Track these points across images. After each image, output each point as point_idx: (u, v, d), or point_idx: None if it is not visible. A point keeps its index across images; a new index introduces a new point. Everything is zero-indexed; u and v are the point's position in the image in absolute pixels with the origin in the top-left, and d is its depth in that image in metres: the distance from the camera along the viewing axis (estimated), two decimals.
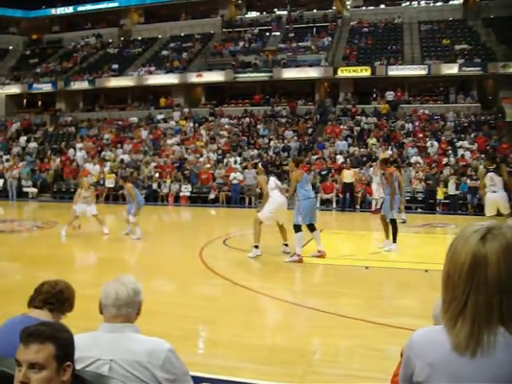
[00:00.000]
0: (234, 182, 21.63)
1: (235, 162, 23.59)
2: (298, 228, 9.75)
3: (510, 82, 27.29)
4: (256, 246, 10.05)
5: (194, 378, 2.65)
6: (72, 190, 24.22)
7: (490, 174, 10.95)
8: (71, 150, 27.46)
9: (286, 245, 10.51)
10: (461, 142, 23.50)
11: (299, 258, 9.55)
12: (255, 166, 19.40)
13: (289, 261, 9.61)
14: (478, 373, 1.46)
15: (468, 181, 19.44)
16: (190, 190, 22.52)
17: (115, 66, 35.38)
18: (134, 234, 12.40)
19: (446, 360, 1.50)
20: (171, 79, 33.10)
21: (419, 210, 19.58)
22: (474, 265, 1.49)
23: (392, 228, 10.96)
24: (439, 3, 37.48)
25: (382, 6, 38.09)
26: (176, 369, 2.38)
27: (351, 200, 19.58)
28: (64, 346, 1.96)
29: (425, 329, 1.63)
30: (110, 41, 40.38)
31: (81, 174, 24.56)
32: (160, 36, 39.39)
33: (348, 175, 19.37)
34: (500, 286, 1.48)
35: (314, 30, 35.07)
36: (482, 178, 12.11)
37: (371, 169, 20.14)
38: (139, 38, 39.98)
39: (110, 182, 23.08)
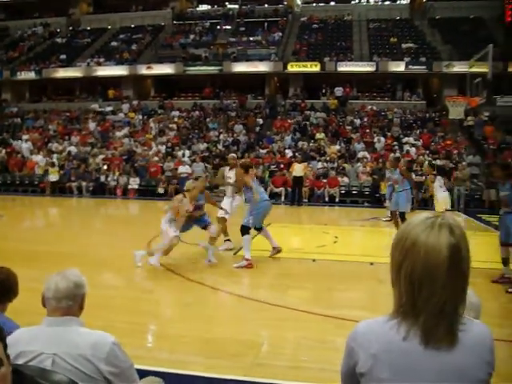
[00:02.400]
0: (183, 175, 21.51)
1: (183, 155, 23.46)
2: (246, 230, 9.08)
3: (454, 81, 28.07)
4: (228, 240, 10.35)
5: (140, 371, 2.65)
6: (17, 182, 23.69)
7: None
8: (16, 142, 26.75)
9: (229, 240, 10.51)
10: (406, 138, 24.05)
11: (248, 263, 8.84)
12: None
13: (237, 266, 8.89)
14: (432, 364, 1.48)
15: (413, 176, 19.81)
16: (139, 182, 22.29)
17: (63, 57, 34.61)
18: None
19: (390, 351, 1.52)
20: (120, 71, 32.67)
21: (366, 204, 19.91)
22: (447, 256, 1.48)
23: (401, 220, 11.38)
24: (387, 2, 38.27)
25: (332, 3, 38.72)
26: (120, 362, 2.36)
27: (299, 194, 19.69)
28: (4, 339, 1.93)
29: (368, 320, 1.64)
30: (58, 30, 39.41)
31: (27, 166, 24.08)
32: (109, 27, 38.75)
33: (298, 169, 19.44)
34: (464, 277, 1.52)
35: (265, 24, 35.18)
36: None
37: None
38: (88, 28, 39.21)
39: (53, 177, 22.61)
